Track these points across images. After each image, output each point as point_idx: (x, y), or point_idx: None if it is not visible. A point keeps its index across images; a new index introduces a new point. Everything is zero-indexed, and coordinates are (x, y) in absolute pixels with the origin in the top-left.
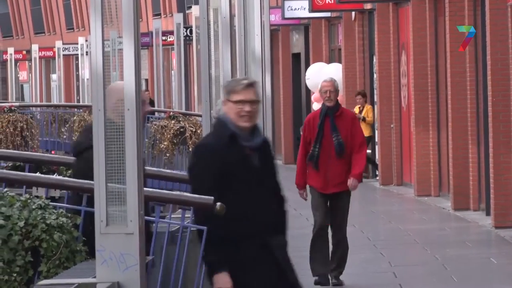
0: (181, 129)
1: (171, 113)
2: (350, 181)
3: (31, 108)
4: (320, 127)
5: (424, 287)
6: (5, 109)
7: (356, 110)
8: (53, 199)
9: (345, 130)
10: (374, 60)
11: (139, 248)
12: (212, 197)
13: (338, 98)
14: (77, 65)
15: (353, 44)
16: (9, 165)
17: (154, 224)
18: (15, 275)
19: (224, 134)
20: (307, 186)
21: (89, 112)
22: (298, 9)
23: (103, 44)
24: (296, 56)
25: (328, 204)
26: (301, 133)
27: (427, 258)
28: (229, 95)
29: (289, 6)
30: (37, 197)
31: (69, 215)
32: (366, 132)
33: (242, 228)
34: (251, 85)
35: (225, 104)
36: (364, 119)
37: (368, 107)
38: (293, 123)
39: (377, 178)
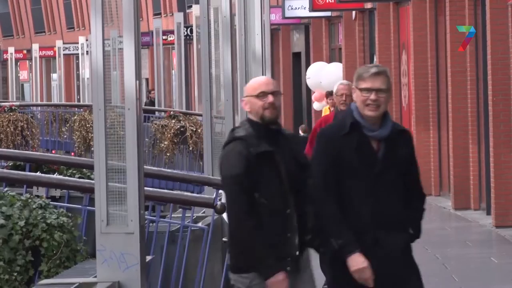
0: (182, 129)
1: (172, 112)
2: None
3: (31, 107)
4: None
5: (425, 286)
6: (6, 108)
7: (327, 110)
8: (53, 198)
9: None
10: (375, 60)
11: (140, 248)
12: (213, 197)
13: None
14: (77, 64)
15: (353, 44)
16: (10, 164)
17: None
18: (15, 274)
19: (347, 122)
20: None
21: (89, 111)
22: (299, 8)
23: (103, 43)
24: (297, 56)
25: None
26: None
27: (427, 257)
28: (357, 82)
29: (290, 6)
30: (37, 196)
31: (70, 214)
32: None
33: (351, 222)
34: (379, 73)
35: (354, 92)
36: None
37: None
38: (294, 122)
39: None
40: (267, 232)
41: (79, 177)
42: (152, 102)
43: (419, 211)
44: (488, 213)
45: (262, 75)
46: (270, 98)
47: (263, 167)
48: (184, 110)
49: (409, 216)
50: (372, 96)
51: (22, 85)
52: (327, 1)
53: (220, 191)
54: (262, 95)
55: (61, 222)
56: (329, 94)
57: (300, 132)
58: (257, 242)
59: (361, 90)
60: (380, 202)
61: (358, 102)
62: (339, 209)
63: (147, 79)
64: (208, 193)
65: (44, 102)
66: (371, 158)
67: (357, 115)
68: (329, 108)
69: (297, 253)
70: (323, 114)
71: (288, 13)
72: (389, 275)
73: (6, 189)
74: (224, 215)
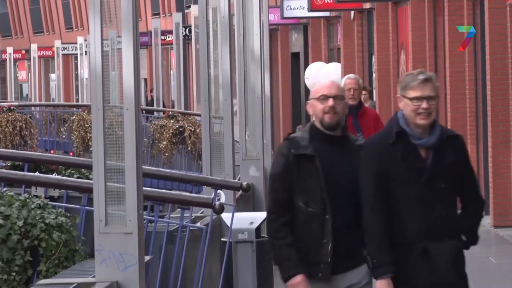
0: (180, 129)
1: (170, 112)
2: None
3: (30, 107)
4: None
5: None
6: (4, 108)
7: None
8: (52, 198)
9: (368, 130)
10: (373, 60)
11: (138, 248)
12: (211, 197)
13: None
14: (76, 64)
15: (352, 44)
16: (8, 164)
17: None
18: (14, 274)
19: (393, 131)
20: None
21: (88, 111)
22: (297, 8)
23: (102, 43)
24: (295, 56)
25: None
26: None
27: None
28: (404, 91)
29: (288, 6)
30: (36, 196)
31: (68, 214)
32: None
33: (400, 232)
34: (428, 80)
35: (401, 101)
36: None
37: None
38: (292, 122)
39: None
40: (303, 236)
41: (78, 177)
42: (152, 101)
43: (475, 218)
44: (487, 213)
45: (261, 75)
46: (330, 102)
47: (304, 171)
48: (182, 110)
49: (463, 223)
50: (424, 104)
51: (21, 85)
52: (326, 1)
53: (219, 191)
54: (323, 98)
55: (60, 222)
56: None
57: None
58: (280, 242)
59: (411, 99)
60: (429, 212)
61: (408, 112)
62: (385, 223)
63: (145, 79)
64: (207, 193)
65: (43, 102)
66: (418, 167)
67: (403, 123)
68: None
69: (329, 259)
70: None
71: (287, 13)
72: (439, 286)
73: (4, 189)
74: (223, 215)
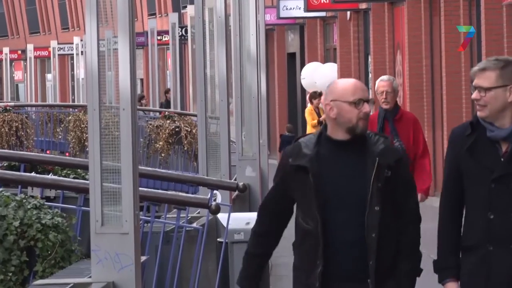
0: (176, 129)
1: (166, 112)
2: (419, 197)
3: (26, 107)
4: (380, 132)
5: (422, 287)
6: (0, 109)
7: (312, 111)
8: (48, 199)
9: (406, 134)
10: (369, 60)
11: (134, 248)
12: (208, 197)
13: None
14: (72, 64)
15: (348, 44)
16: (4, 164)
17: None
18: (10, 274)
19: (469, 122)
20: None
21: (84, 112)
22: (293, 8)
23: (98, 43)
24: (291, 56)
25: None
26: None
27: (423, 258)
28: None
29: (284, 6)
30: (32, 197)
31: (64, 215)
32: None
33: (464, 235)
34: (484, 69)
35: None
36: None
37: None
38: (288, 122)
39: None
40: (301, 254)
41: (74, 178)
42: (168, 103)
43: None
44: None
45: (257, 75)
46: (367, 107)
47: (300, 182)
48: (179, 110)
49: None
50: (474, 94)
51: (17, 85)
52: (322, 2)
53: (215, 191)
54: (358, 102)
55: (56, 222)
56: (317, 95)
57: (286, 132)
58: (246, 256)
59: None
60: (497, 214)
61: None
62: (453, 224)
63: (141, 80)
64: (203, 194)
65: (39, 103)
66: (488, 162)
67: None
68: (313, 109)
69: (317, 284)
70: (306, 116)
71: (283, 14)
72: None
73: (0, 189)
74: (219, 216)
